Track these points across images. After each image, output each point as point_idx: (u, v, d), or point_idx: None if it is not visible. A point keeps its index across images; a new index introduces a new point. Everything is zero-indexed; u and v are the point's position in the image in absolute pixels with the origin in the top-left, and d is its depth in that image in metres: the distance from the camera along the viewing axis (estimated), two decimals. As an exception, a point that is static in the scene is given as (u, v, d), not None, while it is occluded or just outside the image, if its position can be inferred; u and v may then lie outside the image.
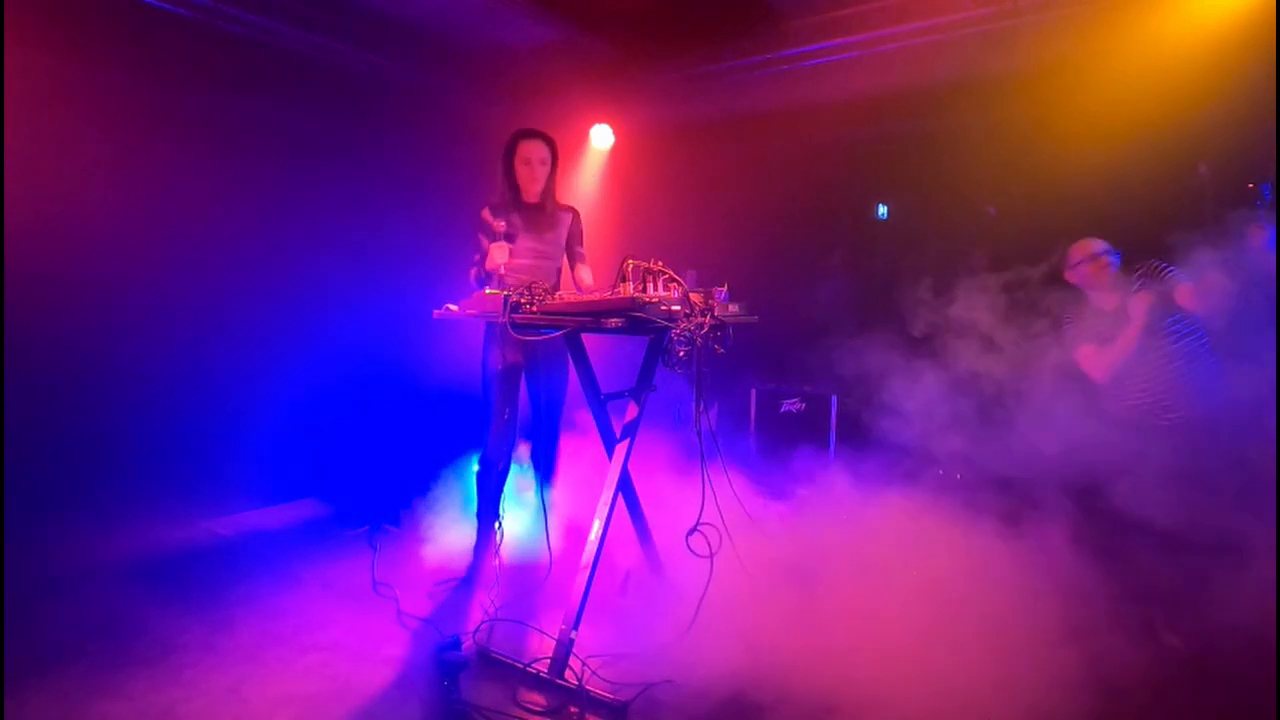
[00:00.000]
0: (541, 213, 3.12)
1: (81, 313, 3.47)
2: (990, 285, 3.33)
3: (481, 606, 2.81)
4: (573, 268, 3.23)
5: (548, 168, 3.08)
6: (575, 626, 2.36)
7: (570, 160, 5.36)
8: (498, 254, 2.86)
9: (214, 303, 3.92)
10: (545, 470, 3.28)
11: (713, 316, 2.32)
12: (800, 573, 2.89)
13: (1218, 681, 2.33)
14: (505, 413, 3.07)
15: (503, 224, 2.88)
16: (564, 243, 3.20)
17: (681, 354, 2.26)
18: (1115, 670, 2.32)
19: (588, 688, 2.26)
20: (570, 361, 2.98)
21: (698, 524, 2.47)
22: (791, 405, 4.66)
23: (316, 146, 4.32)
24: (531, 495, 3.35)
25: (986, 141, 4.33)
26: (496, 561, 2.95)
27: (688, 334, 2.25)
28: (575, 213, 3.24)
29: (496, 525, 3.07)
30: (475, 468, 3.16)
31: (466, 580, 3.10)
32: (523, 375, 3.15)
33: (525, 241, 3.06)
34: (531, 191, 3.08)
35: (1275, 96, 3.08)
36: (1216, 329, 2.91)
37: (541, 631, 2.60)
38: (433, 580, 3.15)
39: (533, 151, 3.04)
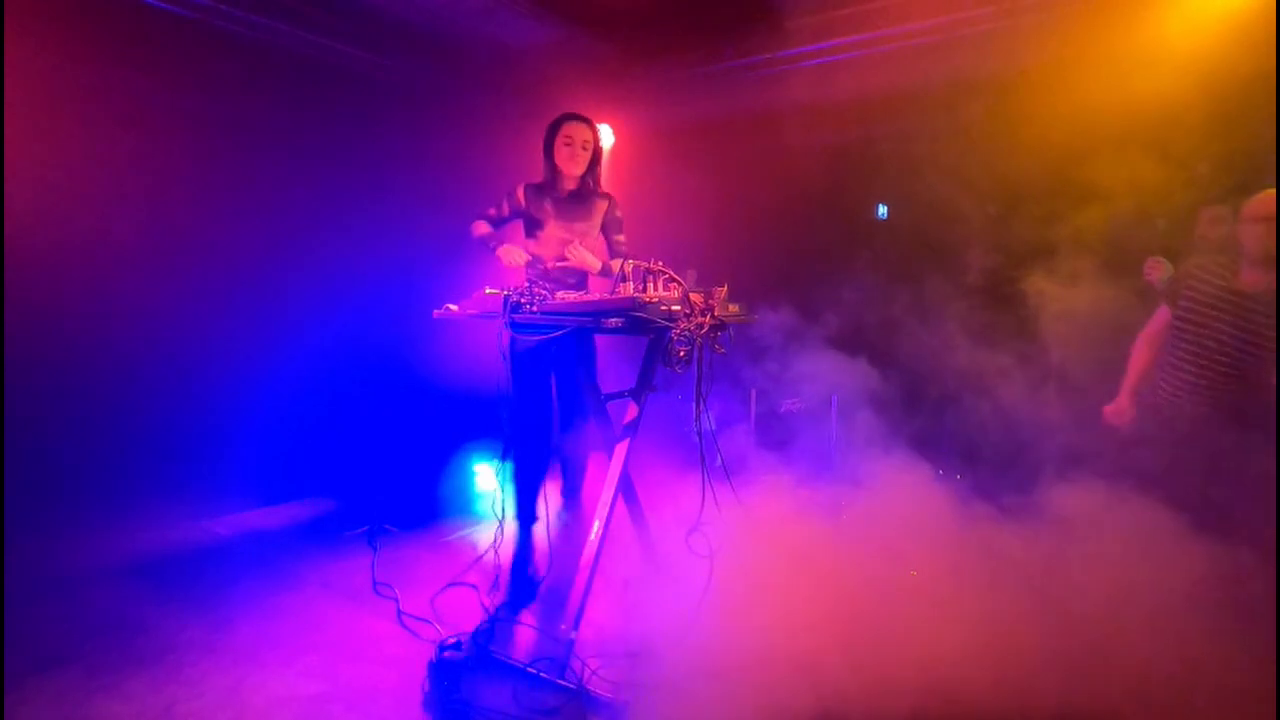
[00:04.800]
0: (576, 199, 3.05)
1: (80, 312, 3.47)
2: (991, 285, 3.35)
3: (482, 606, 2.81)
4: (610, 258, 3.11)
5: (589, 152, 3.01)
6: (575, 626, 2.37)
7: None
8: (515, 256, 2.90)
9: (213, 302, 3.91)
10: (569, 468, 3.21)
11: (713, 316, 2.32)
12: (802, 572, 2.88)
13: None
14: (535, 405, 3.00)
15: (518, 206, 3.00)
16: (597, 232, 3.09)
17: (681, 354, 2.26)
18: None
19: (588, 688, 2.26)
20: (589, 353, 2.95)
21: (698, 524, 2.47)
22: (792, 405, 4.66)
23: (316, 146, 4.32)
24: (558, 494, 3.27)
25: (986, 141, 4.33)
26: (495, 552, 2.89)
27: (688, 334, 2.25)
28: (611, 200, 3.11)
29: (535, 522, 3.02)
30: (507, 465, 2.99)
31: (522, 584, 2.99)
32: (549, 369, 3.06)
33: (553, 230, 3.01)
34: (571, 174, 3.02)
35: (1275, 96, 3.08)
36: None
37: (541, 631, 2.60)
38: (427, 578, 3.13)
39: (575, 132, 2.98)
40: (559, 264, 2.98)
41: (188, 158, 3.76)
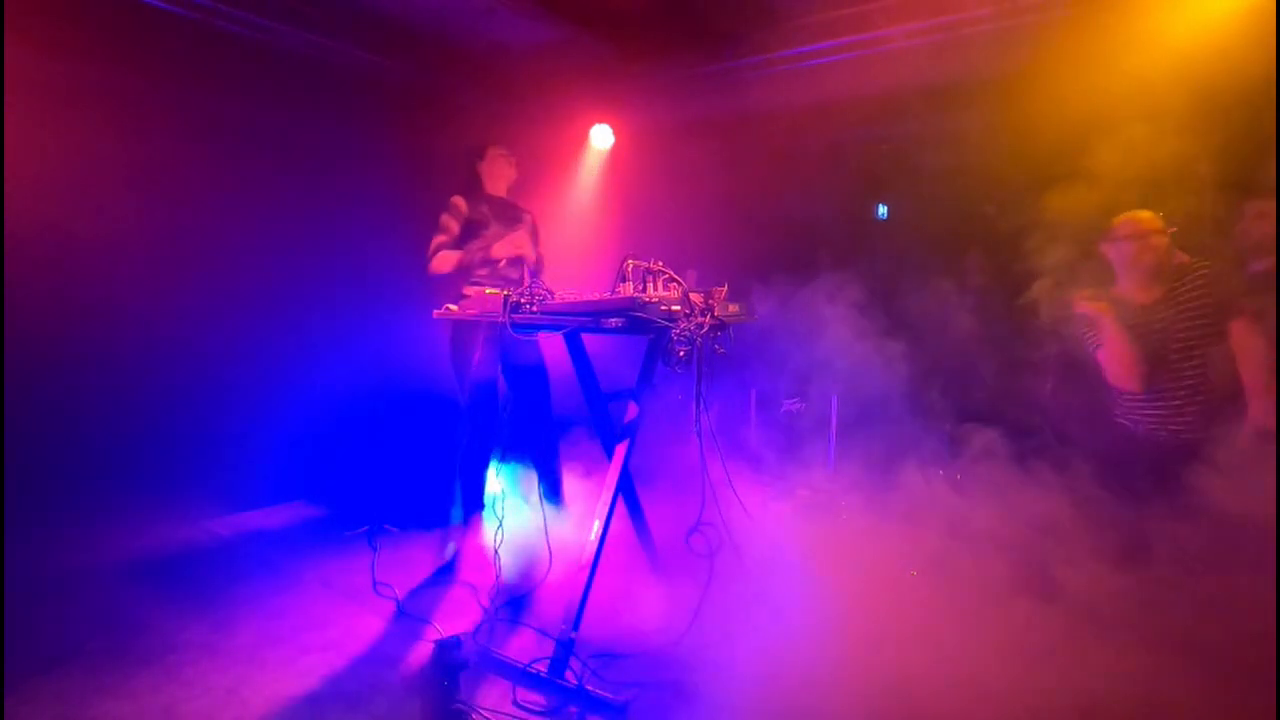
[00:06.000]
0: (506, 208, 3.37)
1: (82, 314, 3.47)
2: (991, 286, 3.34)
3: (481, 606, 2.81)
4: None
5: (513, 168, 3.43)
6: (575, 626, 2.36)
7: (570, 160, 5.37)
8: (508, 247, 3.20)
9: (214, 303, 3.91)
10: (546, 471, 3.29)
11: (713, 316, 2.32)
12: (801, 572, 2.88)
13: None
14: (482, 408, 3.21)
15: (473, 210, 3.26)
16: (528, 240, 3.37)
17: (681, 354, 2.26)
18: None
19: (588, 688, 2.26)
20: (542, 357, 3.28)
21: (698, 524, 2.46)
22: (791, 405, 4.66)
23: (315, 146, 4.32)
24: (535, 495, 3.35)
25: (986, 141, 4.33)
26: (495, 552, 2.96)
27: (688, 334, 2.25)
28: (531, 213, 3.48)
29: (490, 517, 3.16)
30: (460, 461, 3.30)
31: (449, 567, 3.19)
32: (500, 373, 3.25)
33: (498, 231, 3.26)
34: (498, 185, 3.39)
35: (1276, 96, 3.08)
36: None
37: (541, 631, 2.60)
38: (427, 577, 3.16)
39: (501, 151, 3.39)
40: (498, 256, 3.22)
41: (187, 158, 3.75)
